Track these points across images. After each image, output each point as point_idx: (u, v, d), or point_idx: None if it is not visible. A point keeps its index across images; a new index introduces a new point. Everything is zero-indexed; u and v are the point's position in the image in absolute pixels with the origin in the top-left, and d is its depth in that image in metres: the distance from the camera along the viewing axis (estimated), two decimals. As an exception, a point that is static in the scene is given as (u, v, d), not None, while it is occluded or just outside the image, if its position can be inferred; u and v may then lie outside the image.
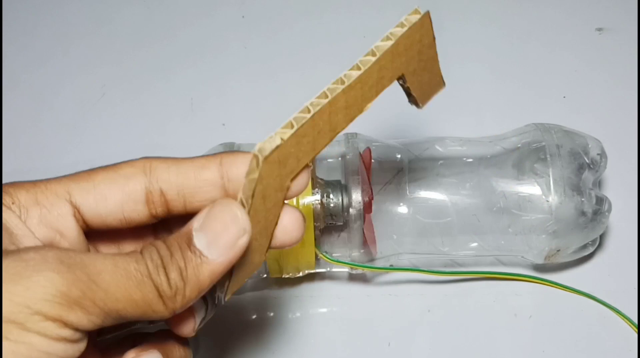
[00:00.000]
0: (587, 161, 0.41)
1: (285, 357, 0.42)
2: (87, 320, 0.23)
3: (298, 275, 0.43)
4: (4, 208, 0.26)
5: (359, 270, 0.42)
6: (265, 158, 0.25)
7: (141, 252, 0.25)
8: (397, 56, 0.29)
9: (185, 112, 0.56)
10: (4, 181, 0.28)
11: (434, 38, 0.30)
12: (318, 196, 0.40)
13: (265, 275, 0.43)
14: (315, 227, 0.39)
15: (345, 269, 0.43)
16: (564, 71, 0.56)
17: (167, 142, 0.53)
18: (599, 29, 0.58)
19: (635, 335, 0.41)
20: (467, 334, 0.43)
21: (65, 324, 0.22)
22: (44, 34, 0.61)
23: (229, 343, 0.43)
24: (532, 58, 0.57)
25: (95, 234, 0.29)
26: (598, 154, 0.41)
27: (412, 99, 0.32)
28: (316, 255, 0.40)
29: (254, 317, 0.44)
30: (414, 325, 0.43)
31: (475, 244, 0.42)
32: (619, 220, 0.45)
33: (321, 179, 0.40)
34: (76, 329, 0.23)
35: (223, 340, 0.43)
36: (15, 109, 0.56)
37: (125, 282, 0.24)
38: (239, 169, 0.28)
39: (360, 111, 0.30)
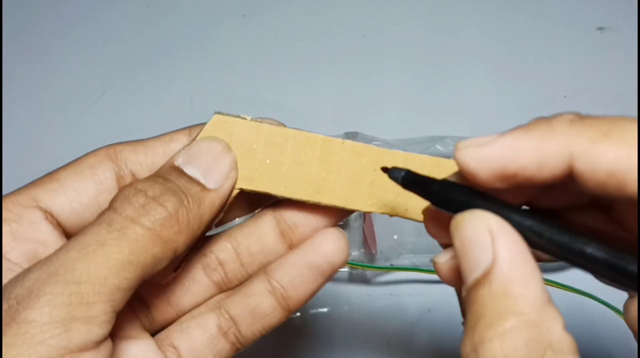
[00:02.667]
0: (587, 160, 0.40)
1: (285, 357, 0.42)
2: (96, 325, 0.21)
3: (298, 275, 0.43)
4: None
5: (359, 270, 0.42)
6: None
7: (113, 205, 0.23)
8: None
9: (185, 112, 0.55)
10: (3, 185, 0.27)
11: None
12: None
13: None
14: (315, 227, 0.39)
15: (345, 269, 0.42)
16: (564, 70, 0.55)
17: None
18: (600, 28, 0.58)
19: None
20: (467, 334, 0.43)
21: (78, 347, 0.21)
22: (44, 33, 0.61)
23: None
24: (532, 57, 0.57)
25: None
26: (599, 153, 0.41)
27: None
28: (316, 255, 0.40)
29: (253, 316, 0.44)
30: (414, 325, 0.43)
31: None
32: (620, 220, 0.45)
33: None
34: (93, 341, 0.21)
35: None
36: (15, 108, 0.56)
37: (103, 260, 0.22)
38: None
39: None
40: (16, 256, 0.25)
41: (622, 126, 0.19)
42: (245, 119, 0.27)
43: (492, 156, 0.21)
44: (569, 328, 0.45)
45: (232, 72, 0.58)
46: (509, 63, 0.57)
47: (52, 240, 0.26)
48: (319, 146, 0.27)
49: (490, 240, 0.20)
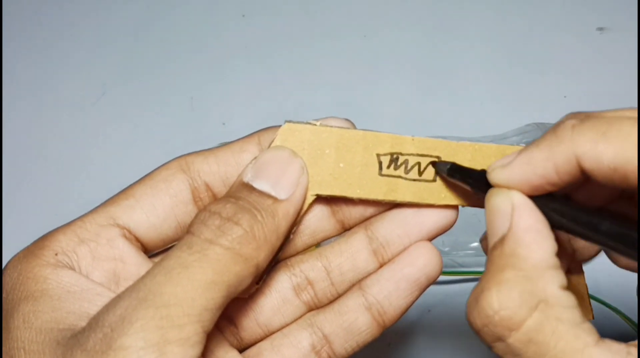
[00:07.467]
0: (587, 160, 0.41)
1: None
2: (189, 347, 0.21)
3: (298, 275, 0.43)
4: (56, 271, 0.24)
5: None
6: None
7: (190, 230, 0.23)
8: None
9: (186, 112, 0.55)
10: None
11: None
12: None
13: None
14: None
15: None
16: (564, 71, 0.55)
17: (167, 141, 0.53)
18: (600, 29, 0.58)
19: (635, 335, 0.41)
20: (467, 334, 0.42)
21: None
22: (45, 33, 0.61)
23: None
24: (533, 57, 0.57)
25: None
26: (599, 154, 0.41)
27: None
28: (316, 255, 0.40)
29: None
30: (414, 325, 0.43)
31: (475, 244, 0.42)
32: (620, 220, 0.45)
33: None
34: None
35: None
36: (15, 108, 0.56)
37: (193, 277, 0.22)
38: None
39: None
40: (98, 277, 0.25)
41: (619, 124, 0.21)
42: (315, 124, 0.27)
43: (515, 175, 0.23)
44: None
45: (232, 72, 0.58)
46: (509, 63, 0.57)
47: (129, 256, 0.26)
48: (389, 145, 0.27)
49: (510, 210, 0.23)
